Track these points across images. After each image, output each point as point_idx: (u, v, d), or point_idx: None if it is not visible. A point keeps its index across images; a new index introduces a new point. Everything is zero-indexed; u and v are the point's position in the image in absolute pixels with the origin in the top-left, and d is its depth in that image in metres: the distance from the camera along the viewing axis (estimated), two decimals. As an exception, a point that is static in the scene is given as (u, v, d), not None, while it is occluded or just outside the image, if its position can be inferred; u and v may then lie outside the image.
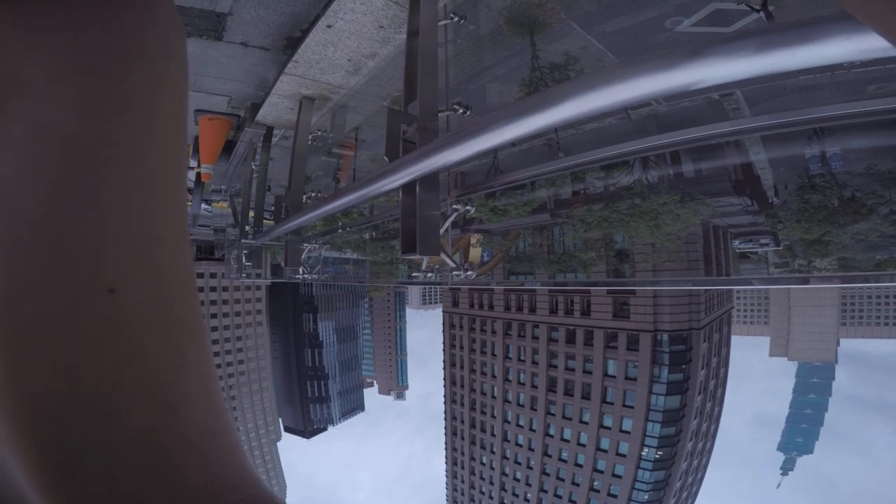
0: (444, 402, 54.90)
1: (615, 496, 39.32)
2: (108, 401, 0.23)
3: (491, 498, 50.89)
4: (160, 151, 0.27)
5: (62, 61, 0.24)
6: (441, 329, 53.75)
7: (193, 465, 0.24)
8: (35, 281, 0.22)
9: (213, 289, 54.33)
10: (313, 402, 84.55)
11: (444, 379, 54.12)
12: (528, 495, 46.08)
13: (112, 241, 0.24)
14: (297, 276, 4.61)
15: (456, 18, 2.14)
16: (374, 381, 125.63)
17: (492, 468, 50.00)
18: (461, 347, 50.44)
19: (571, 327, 39.51)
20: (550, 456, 43.14)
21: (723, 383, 42.36)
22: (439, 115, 1.78)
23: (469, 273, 2.42)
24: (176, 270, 0.27)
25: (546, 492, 44.26)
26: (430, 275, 2.48)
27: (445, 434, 55.88)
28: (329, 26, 2.49)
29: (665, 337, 35.59)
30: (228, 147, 4.83)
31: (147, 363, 0.24)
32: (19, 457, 0.22)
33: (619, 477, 38.93)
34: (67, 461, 0.22)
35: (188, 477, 0.24)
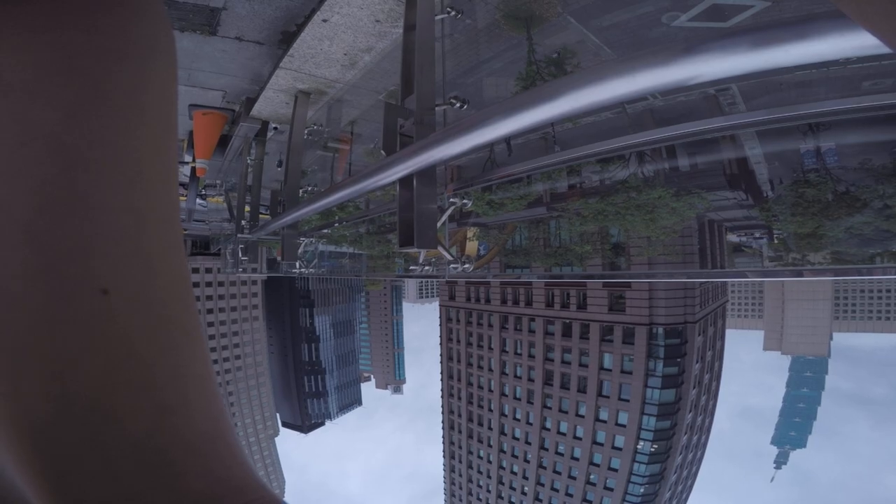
0: (442, 397, 55.08)
1: (611, 489, 39.60)
2: (105, 404, 0.22)
3: (488, 491, 51.19)
4: (148, 150, 0.27)
5: (47, 61, 0.24)
6: (438, 322, 53.90)
7: (194, 468, 0.24)
8: (25, 283, 0.22)
9: (208, 284, 54.23)
10: (310, 396, 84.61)
11: (441, 373, 54.28)
12: (526, 488, 46.36)
13: (102, 241, 0.24)
14: (294, 271, 4.61)
15: (453, 13, 2.13)
16: (371, 376, 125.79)
17: (489, 461, 50.25)
18: (458, 341, 50.53)
19: (568, 321, 39.63)
20: (547, 449, 43.38)
21: (717, 377, 42.63)
22: (436, 109, 1.78)
23: (466, 266, 2.42)
24: (169, 269, 0.27)
25: (543, 485, 44.54)
26: (426, 268, 2.48)
27: (443, 428, 56.10)
28: (325, 20, 2.47)
29: (660, 330, 35.75)
30: (223, 142, 4.80)
31: (142, 364, 0.24)
32: (17, 463, 0.22)
33: (616, 470, 39.20)
34: (66, 467, 0.21)
35: (189, 481, 0.23)
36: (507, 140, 2.66)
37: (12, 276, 0.22)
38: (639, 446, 37.85)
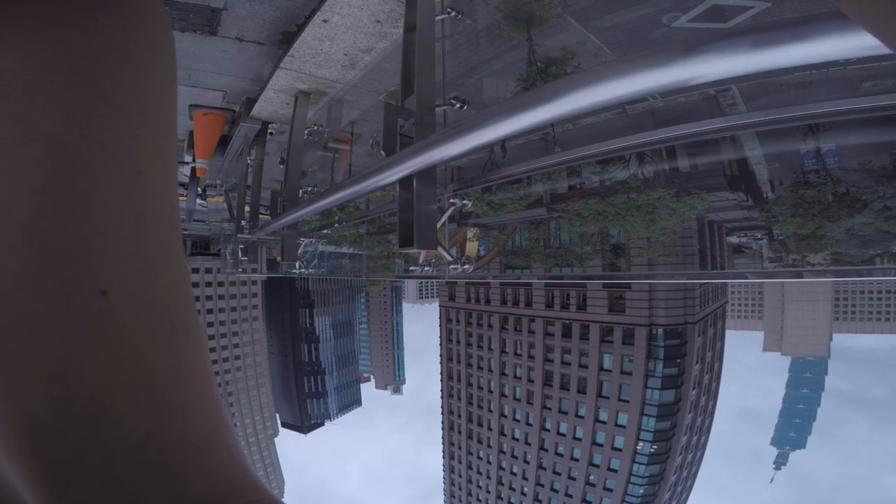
0: (441, 397, 55.09)
1: (611, 490, 39.60)
2: (104, 405, 0.22)
3: (488, 492, 51.19)
4: (147, 151, 0.27)
5: (47, 61, 0.24)
6: (438, 323, 53.90)
7: (194, 469, 0.24)
8: (24, 283, 0.22)
9: (208, 284, 54.21)
10: (310, 397, 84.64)
11: (441, 373, 54.29)
12: (525, 489, 46.36)
13: (101, 242, 0.23)
14: (294, 271, 4.61)
15: (453, 13, 2.14)
16: (371, 376, 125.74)
17: (489, 462, 50.26)
18: (458, 342, 50.54)
19: (567, 321, 39.63)
20: (547, 450, 43.39)
21: (717, 378, 42.63)
22: (436, 109, 1.78)
23: (466, 267, 2.42)
24: (169, 270, 0.27)
25: (542, 486, 44.54)
26: (426, 269, 2.48)
27: (443, 429, 56.12)
28: (325, 21, 2.48)
29: (660, 331, 35.75)
30: (224, 142, 4.80)
31: (142, 366, 0.24)
32: (16, 464, 0.21)
33: (615, 471, 39.19)
34: (66, 468, 0.21)
35: (189, 482, 0.23)
36: (501, 142, 2.66)
37: (12, 277, 0.22)
38: (638, 447, 37.84)
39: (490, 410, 48.37)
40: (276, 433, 72.75)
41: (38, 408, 0.21)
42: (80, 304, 0.22)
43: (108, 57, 0.25)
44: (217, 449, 0.25)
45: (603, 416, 38.92)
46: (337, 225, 5.32)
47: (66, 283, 0.22)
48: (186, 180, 6.45)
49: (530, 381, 43.24)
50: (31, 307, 0.22)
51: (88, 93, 0.24)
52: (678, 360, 36.11)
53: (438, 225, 1.78)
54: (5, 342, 0.21)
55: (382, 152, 1.82)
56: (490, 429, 48.88)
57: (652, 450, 37.64)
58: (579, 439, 40.59)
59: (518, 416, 45.36)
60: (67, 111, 0.24)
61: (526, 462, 45.69)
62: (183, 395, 0.25)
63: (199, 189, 7.58)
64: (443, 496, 59.34)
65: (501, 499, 49.40)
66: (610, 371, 37.99)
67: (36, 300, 0.22)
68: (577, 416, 40.36)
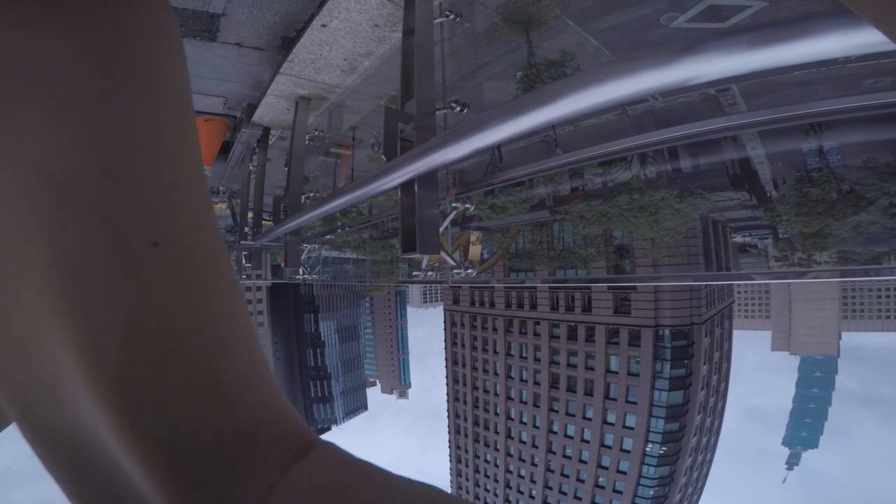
0: (448, 401, 55.00)
1: (620, 492, 39.38)
2: (169, 344, 0.25)
3: (496, 495, 50.96)
4: (176, 128, 0.29)
5: (67, 47, 0.25)
6: (442, 327, 53.87)
7: (245, 400, 0.27)
8: (88, 241, 0.24)
9: (214, 291, 54.31)
10: (316, 402, 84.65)
11: (447, 377, 54.21)
12: (534, 492, 46.15)
13: (150, 202, 0.26)
14: (298, 277, 4.61)
15: (451, 16, 2.14)
16: (377, 381, 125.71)
17: (496, 465, 50.08)
18: (463, 345, 50.47)
19: (573, 324, 39.50)
20: (555, 453, 43.20)
21: (725, 378, 42.39)
22: (436, 113, 1.78)
23: (469, 271, 2.42)
24: (209, 226, 0.30)
25: (551, 489, 44.34)
26: (430, 273, 2.48)
27: (449, 432, 56.01)
28: (324, 25, 2.49)
29: (667, 332, 35.57)
30: (225, 148, 4.83)
31: (195, 307, 0.26)
32: (95, 400, 0.24)
33: (624, 473, 38.98)
34: (141, 401, 0.24)
35: (240, 410, 0.26)
36: (497, 147, 2.66)
37: (76, 237, 0.24)
38: (647, 449, 37.63)
39: (496, 413, 48.24)
40: (282, 439, 72.68)
41: (111, 348, 0.24)
42: (137, 255, 0.25)
43: (124, 38, 0.27)
44: (260, 383, 0.29)
45: (611, 417, 38.75)
46: (340, 230, 5.33)
47: (124, 238, 0.25)
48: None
49: (536, 383, 43.10)
50: (94, 260, 0.24)
51: (113, 74, 0.26)
52: (685, 361, 35.92)
53: (441, 229, 1.79)
54: (73, 291, 0.24)
55: (383, 157, 1.82)
56: (497, 432, 48.74)
57: (661, 451, 37.43)
58: (587, 441, 40.40)
59: (525, 419, 45.22)
60: (97, 91, 0.25)
61: (534, 465, 45.51)
62: (230, 334, 0.28)
63: None
64: (450, 500, 59.10)
65: (509, 502, 49.19)
66: (617, 373, 37.82)
67: (98, 254, 0.24)
68: (584, 418, 40.18)
